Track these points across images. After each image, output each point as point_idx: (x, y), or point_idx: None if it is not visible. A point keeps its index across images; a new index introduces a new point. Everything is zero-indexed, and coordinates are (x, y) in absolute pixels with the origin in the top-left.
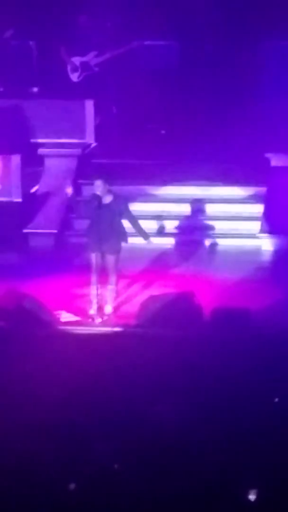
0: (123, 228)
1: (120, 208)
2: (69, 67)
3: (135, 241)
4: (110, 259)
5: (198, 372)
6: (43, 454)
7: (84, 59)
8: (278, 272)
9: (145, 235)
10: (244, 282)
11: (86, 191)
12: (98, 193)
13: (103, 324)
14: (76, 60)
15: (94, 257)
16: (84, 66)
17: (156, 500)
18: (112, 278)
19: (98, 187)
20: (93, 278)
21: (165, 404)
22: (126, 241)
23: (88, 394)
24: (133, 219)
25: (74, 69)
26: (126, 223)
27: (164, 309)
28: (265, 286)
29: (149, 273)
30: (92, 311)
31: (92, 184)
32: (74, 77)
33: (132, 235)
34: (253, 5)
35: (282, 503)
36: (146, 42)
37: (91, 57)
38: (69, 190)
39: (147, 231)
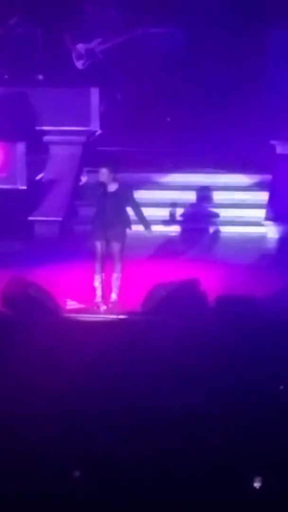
0: (128, 215)
1: (125, 196)
2: (74, 55)
3: (140, 228)
4: (115, 246)
5: (204, 359)
6: (47, 442)
7: (89, 46)
8: (283, 259)
9: (147, 224)
10: (249, 269)
11: (91, 178)
12: (103, 180)
13: (108, 311)
14: (81, 47)
15: (99, 245)
16: (89, 53)
17: (160, 487)
18: (117, 266)
19: (103, 174)
20: (98, 265)
21: (170, 391)
22: (130, 228)
23: (92, 381)
24: (137, 207)
25: (79, 57)
26: (129, 211)
27: (169, 296)
28: (270, 273)
29: (154, 261)
30: (98, 298)
31: (97, 171)
32: (79, 64)
33: (137, 223)
34: None
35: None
36: (151, 30)
37: (96, 44)
38: (84, 179)
39: (152, 218)
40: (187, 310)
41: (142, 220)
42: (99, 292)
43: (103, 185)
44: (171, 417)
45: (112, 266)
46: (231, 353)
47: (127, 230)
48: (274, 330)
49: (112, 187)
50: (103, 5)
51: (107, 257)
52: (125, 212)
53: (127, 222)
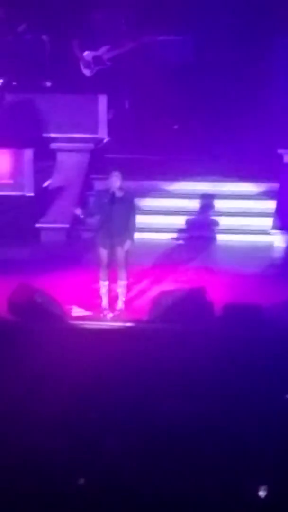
0: (134, 222)
1: (131, 202)
2: (81, 62)
3: (146, 236)
4: (121, 253)
5: (210, 368)
6: (53, 449)
7: (97, 53)
8: None
9: (130, 238)
10: (256, 278)
11: (98, 186)
12: (114, 185)
13: (114, 319)
14: (89, 55)
15: (104, 252)
16: (97, 60)
17: (165, 495)
18: (123, 273)
19: (116, 177)
20: (104, 273)
21: (177, 399)
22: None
23: (98, 389)
24: (134, 215)
25: (87, 64)
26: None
27: (175, 304)
28: (277, 282)
29: (160, 268)
30: (104, 306)
31: (104, 178)
32: (87, 72)
33: (143, 231)
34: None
35: None
36: (159, 37)
37: (103, 52)
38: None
39: (158, 226)
40: (193, 318)
41: (132, 229)
42: (105, 300)
43: (112, 191)
44: (177, 424)
45: (117, 273)
46: (237, 362)
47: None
48: (281, 339)
49: (120, 193)
50: (111, 13)
51: (111, 265)
52: (132, 218)
53: (133, 229)
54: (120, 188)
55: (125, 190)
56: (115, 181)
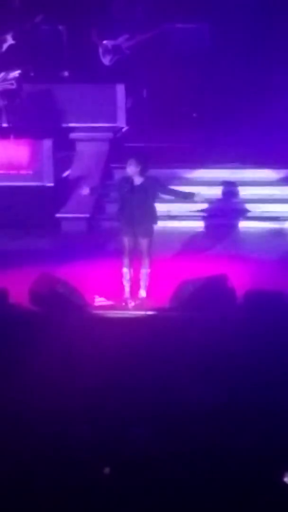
0: (155, 210)
1: (153, 189)
2: (101, 50)
3: (168, 224)
4: (144, 242)
5: (233, 355)
6: (78, 438)
7: (116, 42)
8: None
9: (191, 195)
10: (278, 264)
11: (118, 175)
12: (131, 173)
13: (137, 308)
14: (108, 43)
15: (127, 241)
16: (116, 49)
17: (192, 484)
18: (146, 262)
19: (131, 165)
20: (126, 261)
21: (200, 387)
22: (156, 223)
23: (122, 378)
24: (173, 190)
25: (107, 52)
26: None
27: (198, 292)
28: None
29: (182, 257)
30: (126, 295)
31: (124, 167)
32: (106, 60)
33: (163, 219)
34: None
35: None
36: (177, 25)
37: (122, 41)
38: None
39: (178, 214)
40: (215, 305)
41: (186, 196)
42: (127, 289)
43: (131, 179)
44: (201, 412)
45: (140, 262)
46: (260, 348)
47: (155, 226)
48: None
49: (139, 181)
50: (129, 1)
51: (135, 253)
52: (153, 206)
53: (155, 217)
54: (141, 175)
55: (145, 177)
56: (131, 169)
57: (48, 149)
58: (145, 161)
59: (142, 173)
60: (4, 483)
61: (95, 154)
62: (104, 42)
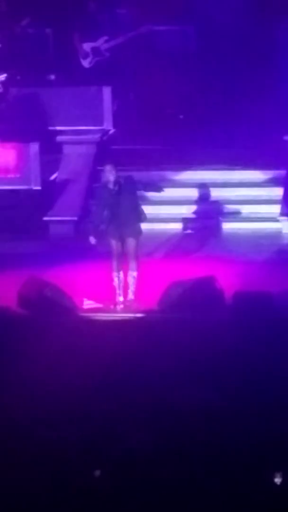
0: (141, 208)
1: (134, 187)
2: (80, 53)
3: (155, 226)
4: (131, 243)
5: (221, 356)
6: (68, 441)
7: (95, 44)
8: None
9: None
10: (265, 265)
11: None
12: (112, 178)
13: (125, 310)
14: (87, 46)
15: (114, 243)
16: (95, 51)
17: (183, 486)
18: (133, 264)
19: (110, 171)
20: (115, 264)
21: (189, 388)
22: (143, 220)
23: (111, 380)
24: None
25: (85, 55)
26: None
27: (186, 294)
28: (286, 268)
29: (170, 259)
30: (117, 297)
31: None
32: (86, 63)
33: (151, 221)
34: None
35: None
36: (160, 27)
37: (101, 43)
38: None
39: (166, 216)
40: (203, 307)
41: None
42: (118, 291)
43: (110, 183)
44: (189, 413)
45: (128, 264)
46: (248, 349)
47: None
48: None
49: (118, 183)
50: (108, 4)
51: (122, 256)
52: (138, 205)
53: (142, 216)
54: (115, 181)
55: (121, 181)
56: (112, 174)
57: (35, 152)
58: (116, 164)
59: (118, 175)
60: None
61: (82, 157)
62: (84, 44)
